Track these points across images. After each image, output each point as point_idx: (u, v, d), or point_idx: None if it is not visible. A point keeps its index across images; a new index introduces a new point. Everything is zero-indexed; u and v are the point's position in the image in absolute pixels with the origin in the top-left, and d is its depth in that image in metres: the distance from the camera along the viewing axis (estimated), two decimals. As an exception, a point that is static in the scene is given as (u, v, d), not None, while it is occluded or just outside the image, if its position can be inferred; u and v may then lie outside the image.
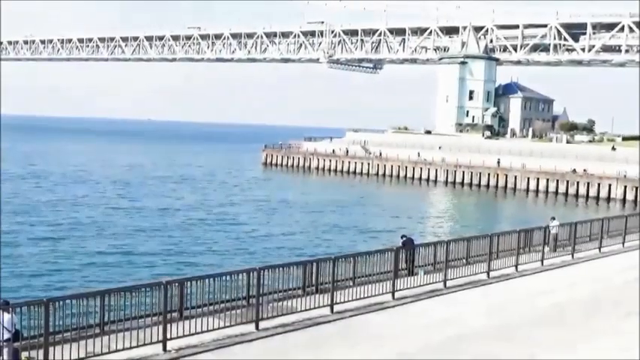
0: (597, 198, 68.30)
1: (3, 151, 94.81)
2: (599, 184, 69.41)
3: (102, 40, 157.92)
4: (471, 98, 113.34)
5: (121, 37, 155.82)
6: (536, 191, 73.09)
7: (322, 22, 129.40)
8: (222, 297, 12.14)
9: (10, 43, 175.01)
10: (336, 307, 13.64)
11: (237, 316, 12.08)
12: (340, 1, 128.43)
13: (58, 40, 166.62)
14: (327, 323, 12.92)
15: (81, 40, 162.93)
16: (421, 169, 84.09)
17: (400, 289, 15.31)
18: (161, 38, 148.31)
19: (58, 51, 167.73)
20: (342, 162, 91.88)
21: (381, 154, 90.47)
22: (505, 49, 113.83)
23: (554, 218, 23.51)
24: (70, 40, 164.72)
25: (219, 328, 11.55)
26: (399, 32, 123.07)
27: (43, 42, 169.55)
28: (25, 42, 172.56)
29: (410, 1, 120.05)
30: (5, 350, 10.33)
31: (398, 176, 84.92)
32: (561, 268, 20.21)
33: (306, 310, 13.13)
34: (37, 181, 66.33)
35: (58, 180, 68.61)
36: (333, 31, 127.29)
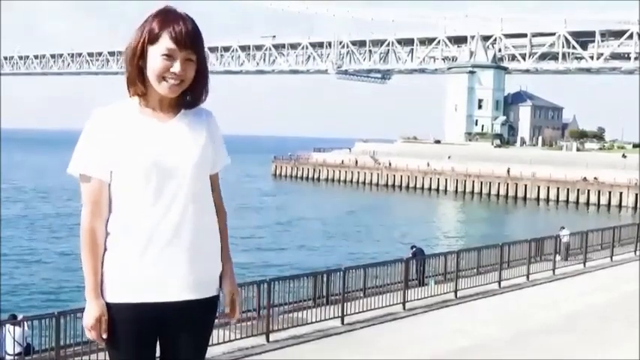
0: (608, 206, 67.95)
1: (13, 164, 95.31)
2: (609, 192, 69.08)
3: (111, 54, 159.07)
4: (480, 107, 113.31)
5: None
6: (547, 200, 72.78)
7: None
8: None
9: (20, 58, 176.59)
10: (347, 319, 13.61)
11: (247, 328, 12.06)
12: (348, 12, 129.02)
13: (68, 54, 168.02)
14: (338, 335, 12.90)
15: (91, 55, 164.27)
16: (430, 179, 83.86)
17: (411, 300, 15.26)
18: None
19: (68, 65, 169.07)
20: (352, 172, 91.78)
21: (390, 164, 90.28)
22: (513, 57, 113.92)
23: (563, 227, 23.49)
24: (80, 55, 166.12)
25: (229, 341, 11.53)
26: (407, 42, 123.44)
27: (53, 56, 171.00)
28: (36, 57, 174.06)
29: (418, 11, 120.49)
30: (17, 364, 10.39)
31: (407, 186, 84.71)
32: (573, 277, 20.12)
33: (316, 321, 13.11)
34: (45, 195, 66.58)
35: (65, 194, 68.84)
36: (341, 42, 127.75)
